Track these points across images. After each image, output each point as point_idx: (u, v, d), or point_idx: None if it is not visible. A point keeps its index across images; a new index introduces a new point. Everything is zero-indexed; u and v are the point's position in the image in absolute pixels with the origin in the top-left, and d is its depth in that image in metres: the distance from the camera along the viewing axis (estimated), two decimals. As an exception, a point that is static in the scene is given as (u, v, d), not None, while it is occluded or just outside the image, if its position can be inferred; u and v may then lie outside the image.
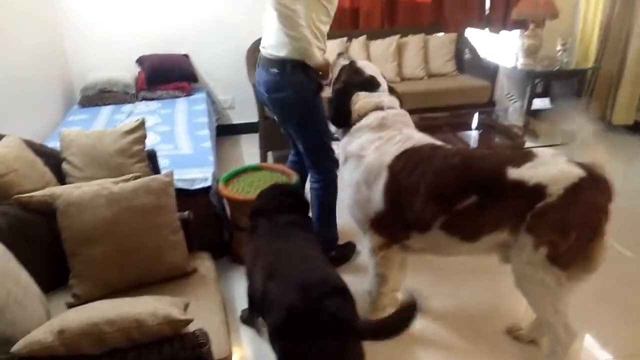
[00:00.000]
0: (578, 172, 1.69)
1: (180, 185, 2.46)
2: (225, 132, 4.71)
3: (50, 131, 3.56)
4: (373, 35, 4.63)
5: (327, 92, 2.33)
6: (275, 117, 2.66)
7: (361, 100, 2.11)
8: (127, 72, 4.32)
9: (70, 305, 1.70)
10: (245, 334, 2.27)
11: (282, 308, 1.46)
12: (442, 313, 2.37)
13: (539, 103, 4.98)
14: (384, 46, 4.56)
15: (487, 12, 4.96)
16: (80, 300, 1.70)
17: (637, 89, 4.55)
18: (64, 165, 2.19)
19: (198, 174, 2.67)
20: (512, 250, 1.83)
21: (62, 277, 1.82)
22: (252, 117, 4.13)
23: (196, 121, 3.65)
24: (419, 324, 2.31)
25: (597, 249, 1.71)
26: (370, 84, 2.15)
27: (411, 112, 2.20)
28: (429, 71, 4.70)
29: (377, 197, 2.00)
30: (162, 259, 1.86)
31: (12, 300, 1.35)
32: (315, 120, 2.44)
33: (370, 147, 2.04)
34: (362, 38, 4.57)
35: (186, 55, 4.53)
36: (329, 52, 2.46)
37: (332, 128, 2.27)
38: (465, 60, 4.82)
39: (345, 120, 2.13)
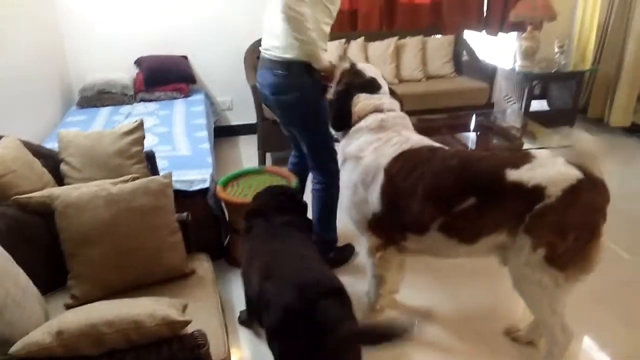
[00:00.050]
0: (576, 174, 1.70)
1: (178, 186, 2.46)
2: (223, 133, 4.71)
3: (49, 132, 3.56)
4: (371, 37, 4.64)
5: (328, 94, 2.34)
6: (279, 119, 2.66)
7: (361, 102, 2.12)
8: (125, 74, 4.32)
9: (69, 306, 1.70)
10: (244, 335, 2.27)
11: (279, 308, 1.46)
12: (440, 314, 2.37)
13: (537, 105, 5.00)
14: (382, 48, 4.57)
15: (484, 14, 4.98)
16: (79, 302, 1.70)
17: (635, 91, 4.57)
18: (63, 166, 2.18)
19: (196, 176, 2.67)
20: (510, 251, 1.84)
21: (60, 278, 1.81)
22: (251, 118, 4.14)
23: (194, 122, 3.65)
24: (416, 325, 2.31)
25: (594, 250, 1.72)
26: (371, 86, 2.16)
27: (409, 113, 2.21)
28: (427, 73, 4.71)
29: (374, 199, 2.01)
30: (160, 260, 1.86)
31: (11, 301, 1.35)
32: (320, 122, 2.44)
33: (368, 149, 2.04)
34: (361, 40, 4.58)
35: (185, 57, 4.53)
36: (327, 53, 2.46)
37: (332, 130, 2.28)
38: (463, 62, 4.84)
39: (346, 122, 2.14)
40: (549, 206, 1.69)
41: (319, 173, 2.59)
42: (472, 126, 4.20)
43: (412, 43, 4.65)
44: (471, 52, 4.79)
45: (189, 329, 1.36)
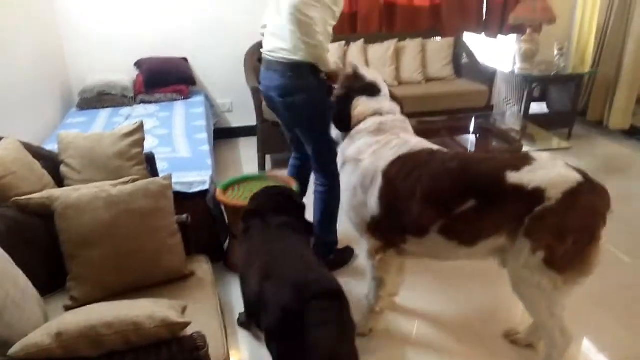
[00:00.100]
0: (576, 177, 1.70)
1: (178, 188, 2.46)
2: (223, 135, 4.71)
3: (49, 134, 3.56)
4: (371, 39, 4.64)
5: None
6: (285, 121, 2.66)
7: (361, 105, 2.12)
8: (125, 75, 4.32)
9: (68, 308, 1.70)
10: (243, 337, 2.27)
11: (277, 309, 1.46)
12: (439, 317, 2.37)
13: (536, 107, 5.01)
14: (382, 50, 4.57)
15: (484, 16, 4.99)
16: (78, 303, 1.70)
17: (634, 94, 4.57)
18: (62, 168, 2.18)
19: (196, 177, 2.67)
20: (509, 254, 1.84)
21: (59, 280, 1.81)
22: (251, 120, 4.14)
23: (194, 124, 3.65)
24: (416, 328, 2.31)
25: (593, 253, 1.72)
26: (371, 90, 2.16)
27: (409, 116, 2.21)
28: (427, 75, 4.71)
29: (372, 202, 2.01)
30: (159, 262, 1.86)
31: (10, 303, 1.35)
32: (326, 123, 2.44)
33: (367, 152, 2.04)
34: (360, 42, 4.58)
35: (185, 59, 4.54)
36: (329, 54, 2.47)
37: (333, 133, 2.28)
38: (462, 64, 4.84)
39: (346, 124, 2.14)
40: (549, 209, 1.69)
41: (323, 175, 2.59)
42: (471, 129, 4.21)
43: (411, 45, 4.65)
44: (471, 55, 4.79)
45: (188, 330, 1.36)
